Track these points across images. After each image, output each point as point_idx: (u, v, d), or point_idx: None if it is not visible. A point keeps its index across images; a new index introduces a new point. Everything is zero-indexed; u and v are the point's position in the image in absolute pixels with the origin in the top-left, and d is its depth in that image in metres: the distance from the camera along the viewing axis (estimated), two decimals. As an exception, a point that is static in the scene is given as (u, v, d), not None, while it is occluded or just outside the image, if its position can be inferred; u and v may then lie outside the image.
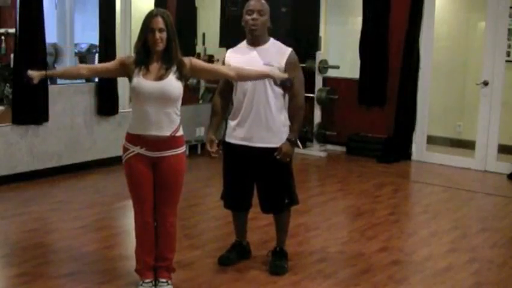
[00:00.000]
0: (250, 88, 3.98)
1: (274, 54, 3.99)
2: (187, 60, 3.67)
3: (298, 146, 4.10)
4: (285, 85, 3.81)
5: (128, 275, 3.97)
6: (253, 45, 4.04)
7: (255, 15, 3.95)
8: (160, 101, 3.57)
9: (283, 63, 3.97)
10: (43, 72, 3.75)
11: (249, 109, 4.01)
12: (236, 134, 4.08)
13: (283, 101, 4.06)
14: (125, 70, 3.65)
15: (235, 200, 4.24)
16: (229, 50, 4.16)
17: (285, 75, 3.76)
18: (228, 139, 4.14)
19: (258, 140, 4.01)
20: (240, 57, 4.03)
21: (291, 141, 4.02)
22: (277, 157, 3.97)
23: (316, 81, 7.99)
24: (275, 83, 3.84)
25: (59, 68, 3.92)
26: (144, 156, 3.64)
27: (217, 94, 4.22)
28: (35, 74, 3.63)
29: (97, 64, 3.82)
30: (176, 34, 3.61)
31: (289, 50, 4.03)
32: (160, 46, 3.55)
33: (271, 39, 4.09)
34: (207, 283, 3.99)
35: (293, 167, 4.21)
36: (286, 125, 4.08)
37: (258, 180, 4.14)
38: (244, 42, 4.10)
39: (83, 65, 3.73)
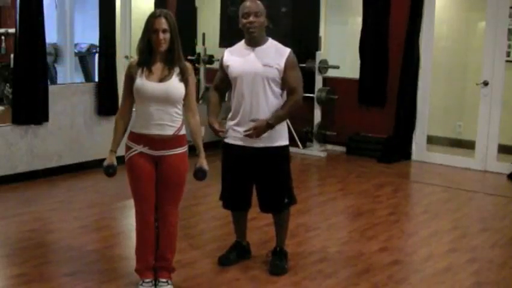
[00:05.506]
0: (249, 88, 3.97)
1: (273, 55, 3.98)
2: (190, 71, 3.68)
3: (272, 128, 3.96)
4: (197, 176, 3.77)
5: (128, 275, 3.97)
6: (251, 45, 4.02)
7: (251, 18, 3.93)
8: (163, 101, 3.59)
9: (282, 64, 3.96)
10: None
11: (248, 109, 3.99)
12: (235, 134, 4.07)
13: (281, 101, 4.04)
14: (133, 75, 3.63)
15: (235, 200, 4.23)
16: (227, 50, 4.14)
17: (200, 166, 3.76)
18: (227, 140, 4.13)
19: (257, 140, 3.99)
20: (239, 59, 4.02)
21: (268, 124, 3.94)
22: (246, 132, 3.93)
23: (316, 81, 7.98)
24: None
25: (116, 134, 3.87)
26: (147, 155, 3.64)
27: (213, 89, 4.21)
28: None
29: (121, 103, 3.84)
30: (178, 35, 3.63)
31: (288, 50, 4.02)
32: (164, 47, 3.56)
33: (270, 40, 4.06)
34: (207, 283, 3.99)
35: (293, 167, 4.21)
36: (285, 124, 4.07)
37: (258, 179, 4.13)
38: (242, 42, 4.08)
39: (119, 117, 3.81)
